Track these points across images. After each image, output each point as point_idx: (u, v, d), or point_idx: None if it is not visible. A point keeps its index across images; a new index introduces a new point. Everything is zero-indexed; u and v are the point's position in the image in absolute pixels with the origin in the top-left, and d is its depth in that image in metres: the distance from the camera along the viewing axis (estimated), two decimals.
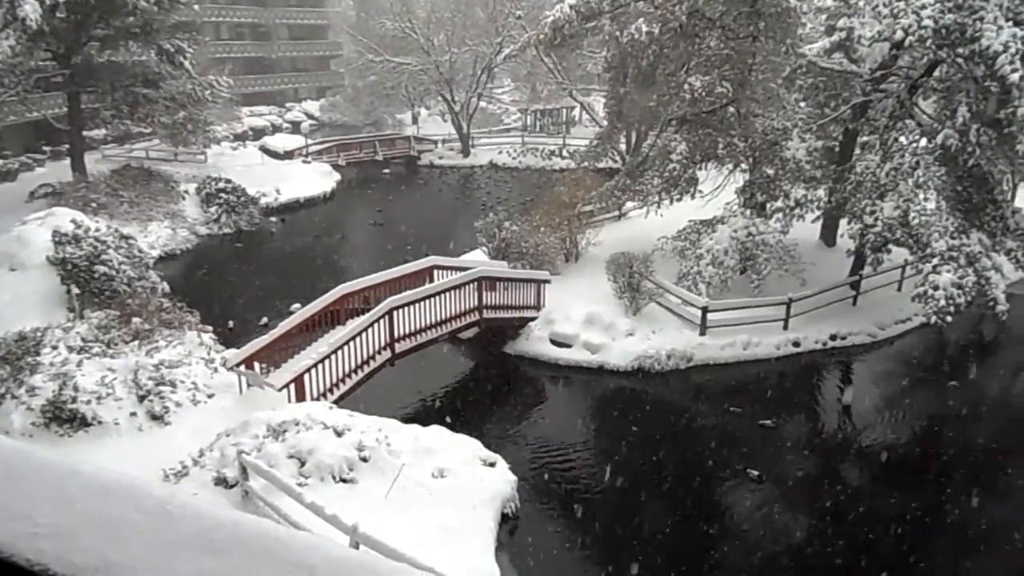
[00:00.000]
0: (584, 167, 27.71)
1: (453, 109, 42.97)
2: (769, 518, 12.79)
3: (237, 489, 10.91)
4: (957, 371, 18.32)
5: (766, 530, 12.49)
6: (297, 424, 11.68)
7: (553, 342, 18.37)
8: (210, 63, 37.15)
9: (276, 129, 50.99)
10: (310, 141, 42.61)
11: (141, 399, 13.13)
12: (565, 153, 40.63)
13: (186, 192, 29.70)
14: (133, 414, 12.88)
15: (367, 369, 14.76)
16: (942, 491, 13.49)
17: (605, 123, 29.82)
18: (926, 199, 17.50)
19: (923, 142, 18.17)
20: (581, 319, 18.60)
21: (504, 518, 11.67)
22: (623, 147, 31.04)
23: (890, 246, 18.36)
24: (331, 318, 15.67)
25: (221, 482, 11.08)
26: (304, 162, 38.76)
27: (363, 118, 51.38)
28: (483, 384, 17.52)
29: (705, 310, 18.45)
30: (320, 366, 13.62)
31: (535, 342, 18.43)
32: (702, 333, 18.53)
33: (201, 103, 31.57)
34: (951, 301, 16.08)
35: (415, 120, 51.25)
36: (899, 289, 21.20)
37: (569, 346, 18.21)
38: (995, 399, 17.19)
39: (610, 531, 12.18)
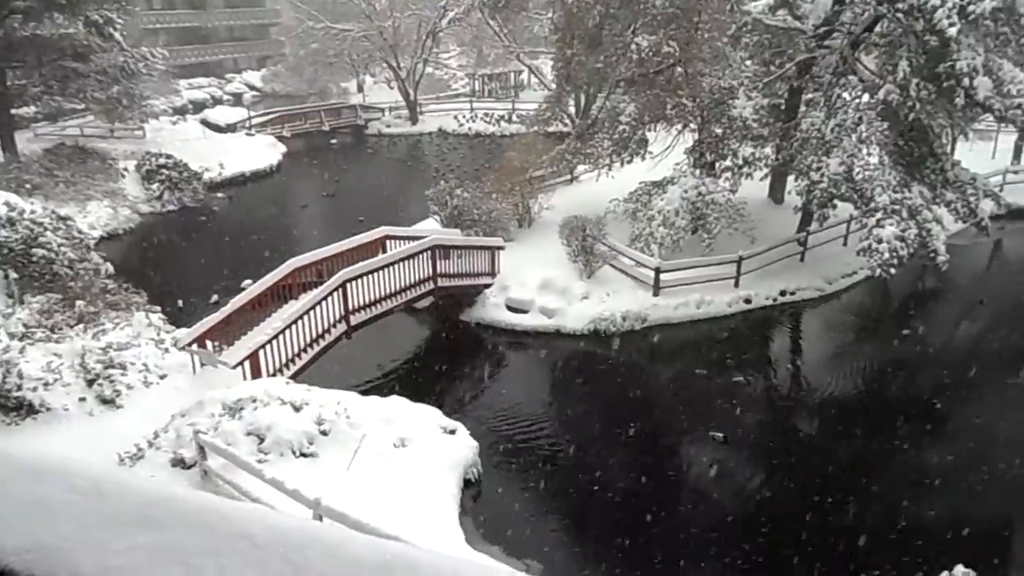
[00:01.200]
0: (534, 131, 27.59)
1: (399, 76, 42.27)
2: (728, 472, 13.09)
3: (196, 469, 10.77)
4: (902, 321, 18.90)
5: (725, 485, 12.78)
6: (254, 401, 11.53)
7: (509, 308, 18.40)
8: (142, 34, 35.87)
9: (217, 102, 49.58)
10: (253, 113, 41.56)
11: (90, 383, 12.80)
12: (515, 118, 40.37)
13: (125, 170, 28.74)
14: (83, 399, 12.56)
15: (323, 343, 14.61)
16: (891, 437, 13.96)
17: (554, 86, 29.66)
18: (869, 154, 17.82)
19: (866, 98, 18.47)
20: (536, 284, 18.65)
21: (467, 483, 11.76)
22: (572, 110, 30.95)
23: (836, 201, 18.75)
24: (284, 293, 15.43)
25: (178, 463, 10.92)
26: (248, 135, 37.82)
27: (307, 88, 50.25)
28: (441, 353, 17.50)
29: (658, 271, 18.64)
30: (275, 342, 13.43)
31: (491, 309, 18.43)
32: (656, 294, 18.74)
33: (135, 76, 30.45)
34: (894, 254, 16.51)
35: (361, 88, 50.32)
36: (845, 244, 21.67)
37: (525, 311, 18.27)
38: (938, 347, 17.76)
39: (572, 492, 12.35)
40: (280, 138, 37.90)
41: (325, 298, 14.48)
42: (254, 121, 39.84)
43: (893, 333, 18.31)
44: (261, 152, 35.01)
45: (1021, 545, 11.37)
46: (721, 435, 13.61)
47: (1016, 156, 29.85)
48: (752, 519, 11.85)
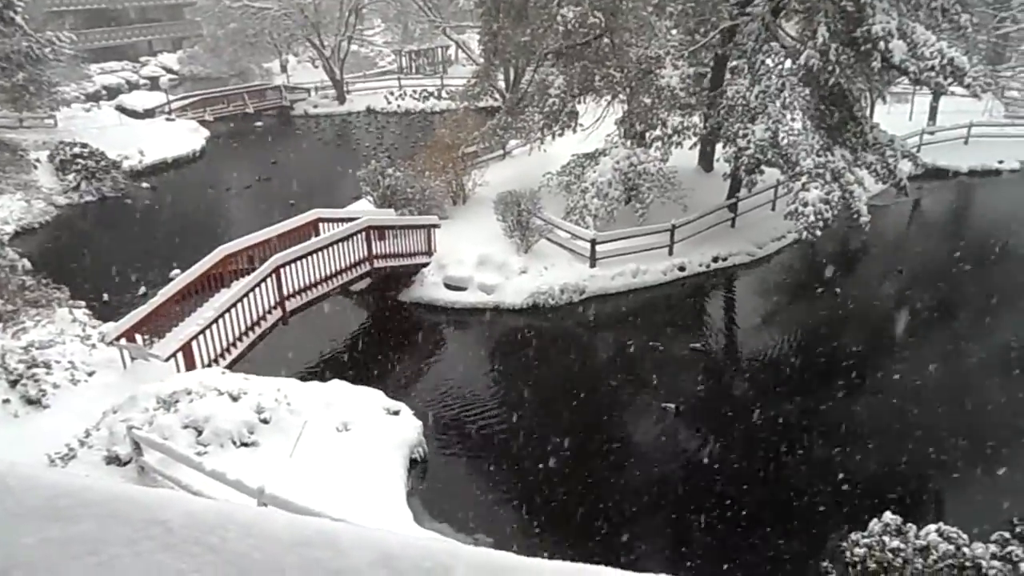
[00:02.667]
0: (464, 107, 27.33)
1: (323, 54, 41.28)
2: (672, 437, 13.36)
3: (132, 466, 10.44)
4: (830, 281, 19.52)
5: (669, 451, 13.05)
6: (189, 393, 11.22)
7: (448, 286, 18.32)
8: (47, 17, 34.09)
9: (132, 86, 47.63)
10: (172, 97, 40.09)
11: (13, 384, 12.24)
12: (444, 94, 39.97)
13: (37, 160, 27.39)
14: (6, 400, 12.01)
15: (259, 330, 14.30)
16: (824, 393, 14.47)
17: (481, 61, 29.41)
18: (793, 119, 18.25)
19: (788, 64, 18.85)
20: (474, 261, 18.60)
21: (413, 463, 11.73)
22: (502, 84, 30.77)
23: (763, 167, 19.17)
24: (215, 282, 15.01)
25: (113, 460, 10.57)
26: (167, 120, 36.50)
27: (227, 69, 48.62)
28: (381, 334, 17.34)
29: (594, 242, 18.80)
30: (208, 332, 13.08)
31: (430, 288, 18.33)
32: (592, 265, 18.90)
33: (42, 62, 29.00)
34: (820, 216, 17.00)
35: (284, 68, 48.96)
36: (773, 208, 22.22)
37: (464, 289, 18.22)
38: (864, 304, 18.41)
39: (519, 466, 12.43)
40: (202, 122, 36.69)
41: (258, 285, 14.16)
42: (174, 105, 38.46)
43: (821, 293, 18.91)
44: (183, 137, 33.83)
45: (944, 489, 11.94)
46: (673, 406, 13.80)
47: (932, 117, 31.01)
48: (696, 482, 12.15)
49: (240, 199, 27.92)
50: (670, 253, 19.69)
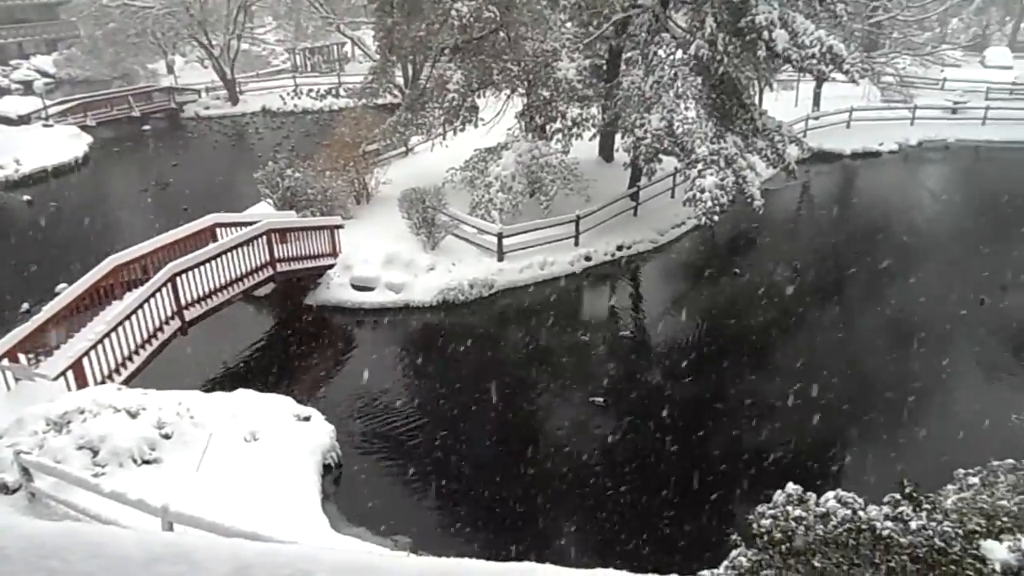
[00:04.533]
0: (363, 105, 26.89)
1: (212, 54, 39.76)
2: (586, 424, 13.54)
3: (21, 493, 9.79)
4: (729, 264, 20.22)
5: (585, 438, 13.21)
6: (82, 412, 10.61)
7: (355, 287, 17.99)
8: None
9: (3, 91, 44.65)
10: (49, 102, 37.74)
11: None
12: (342, 92, 39.20)
13: None
14: None
15: (156, 342, 13.66)
16: (730, 373, 14.97)
17: (378, 57, 28.99)
18: (687, 108, 18.77)
19: (679, 54, 19.37)
20: (380, 260, 18.34)
21: (327, 469, 11.48)
22: (400, 81, 30.45)
23: (660, 156, 19.64)
24: (106, 294, 14.25)
25: (1, 489, 9.88)
26: (45, 126, 34.38)
27: (109, 71, 46.24)
28: (288, 340, 16.86)
29: (500, 236, 18.84)
30: (100, 347, 12.39)
31: (336, 289, 17.96)
32: (500, 259, 18.95)
33: None
34: (716, 202, 17.56)
35: (171, 69, 46.89)
36: (672, 196, 22.84)
37: (371, 289, 17.94)
38: (762, 284, 19.14)
39: (436, 465, 12.34)
40: (84, 127, 34.76)
41: (153, 295, 13.52)
42: (51, 111, 36.22)
43: (722, 276, 19.57)
44: (63, 144, 31.90)
45: (842, 458, 12.56)
46: (601, 399, 13.89)
47: (816, 103, 32.55)
48: (611, 467, 12.34)
49: (130, 207, 26.60)
50: (576, 244, 19.95)
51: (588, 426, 13.47)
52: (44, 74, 49.97)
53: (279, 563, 0.87)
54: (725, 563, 7.26)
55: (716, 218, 17.69)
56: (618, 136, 21.57)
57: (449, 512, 11.46)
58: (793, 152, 21.80)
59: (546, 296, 18.55)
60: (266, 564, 0.86)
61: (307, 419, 12.04)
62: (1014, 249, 20.43)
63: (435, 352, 16.43)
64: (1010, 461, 8.44)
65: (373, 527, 10.58)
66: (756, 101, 22.99)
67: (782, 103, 31.61)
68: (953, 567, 5.84)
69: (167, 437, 10.66)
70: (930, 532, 6.11)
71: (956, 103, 33.93)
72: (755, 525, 6.88)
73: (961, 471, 8.57)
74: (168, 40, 42.45)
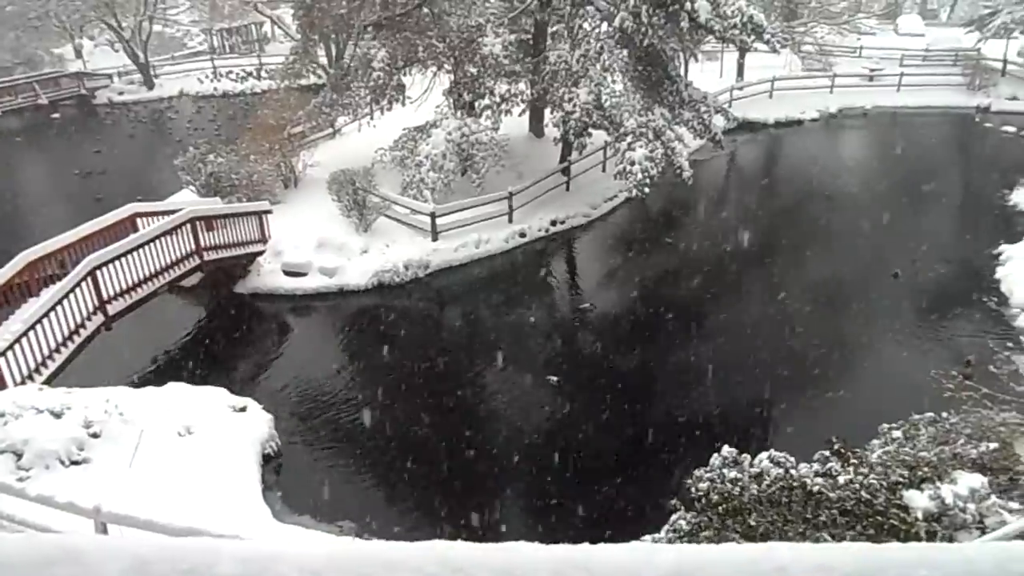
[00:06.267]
0: (286, 86, 26.22)
1: (123, 37, 38.03)
2: (526, 401, 13.62)
3: None
4: (661, 234, 20.54)
5: (526, 414, 13.30)
6: (2, 416, 10.15)
7: (287, 273, 17.63)
8: None
9: None
10: None
11: None
12: (264, 73, 38.08)
13: None
14: None
15: (78, 339, 13.12)
16: (666, 341, 15.26)
17: (299, 37, 28.25)
18: (614, 81, 18.85)
19: (604, 27, 19.41)
20: (312, 245, 18.00)
21: (267, 458, 11.29)
22: (324, 60, 29.75)
23: (590, 130, 19.74)
24: (21, 291, 13.59)
25: None
26: None
27: (11, 57, 43.60)
28: (219, 330, 16.45)
29: (433, 216, 18.70)
30: (17, 347, 11.84)
31: (267, 276, 17.56)
32: (435, 239, 18.81)
33: None
34: (646, 174, 17.76)
35: (80, 54, 44.68)
36: (603, 170, 23.00)
37: (304, 274, 17.60)
38: (693, 253, 19.51)
39: (378, 449, 12.26)
40: None
41: (72, 290, 12.97)
42: None
43: (655, 246, 19.87)
44: None
45: (775, 419, 12.96)
46: (555, 379, 13.85)
47: (740, 73, 33.13)
48: (554, 440, 12.46)
49: (41, 200, 25.38)
50: (510, 220, 19.94)
51: (529, 401, 13.56)
52: None
53: (179, 557, 0.83)
54: (666, 527, 7.44)
55: (647, 190, 17.90)
56: (547, 111, 21.57)
57: (394, 495, 11.42)
58: (719, 122, 22.18)
59: (483, 274, 18.53)
60: (166, 559, 0.82)
61: (243, 409, 11.80)
62: (927, 211, 21.31)
63: (373, 335, 16.27)
64: (930, 414, 8.84)
65: (317, 514, 10.47)
66: (682, 73, 23.26)
67: (707, 74, 32.12)
68: (879, 517, 6.10)
69: (96, 436, 10.30)
70: (857, 485, 6.36)
71: (872, 71, 35.01)
72: (693, 488, 7.06)
73: (885, 425, 8.96)
74: (74, 23, 40.37)
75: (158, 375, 13.93)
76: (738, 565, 0.75)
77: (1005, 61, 33.95)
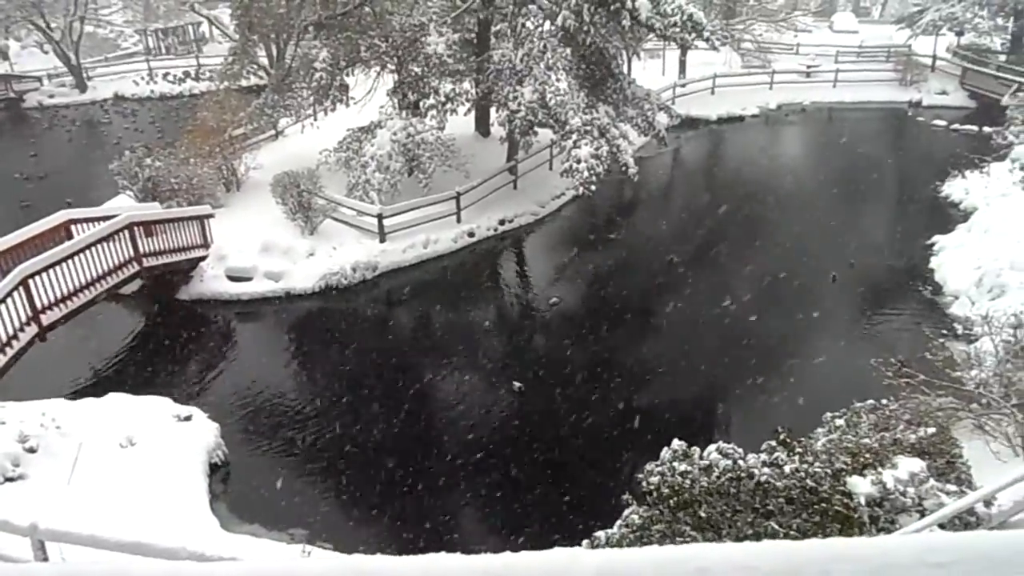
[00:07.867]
0: (226, 88, 25.68)
1: (52, 38, 36.76)
2: (478, 401, 13.59)
3: None
4: (609, 231, 20.69)
5: (481, 415, 13.25)
6: None
7: (231, 278, 17.27)
8: None
9: None
10: None
11: None
12: (202, 75, 37.26)
13: None
14: None
15: (11, 351, 12.61)
16: (617, 337, 15.37)
17: (238, 37, 27.70)
18: (558, 80, 18.94)
19: (547, 25, 19.50)
20: (256, 249, 17.68)
21: (214, 468, 11.06)
22: (264, 61, 29.20)
23: (536, 128, 19.80)
24: None
25: None
26: None
27: None
28: (162, 338, 15.99)
29: (380, 217, 18.53)
30: None
31: (211, 282, 17.18)
32: (382, 240, 18.64)
33: None
34: (592, 171, 17.88)
35: (6, 56, 43.07)
36: (550, 168, 23.08)
37: (249, 279, 17.27)
38: (641, 249, 19.73)
39: (328, 454, 12.09)
40: None
41: (3, 300, 12.49)
42: None
43: (603, 244, 20.01)
44: None
45: (723, 412, 13.19)
46: (519, 385, 13.73)
47: (682, 71, 33.60)
48: (507, 440, 12.45)
49: None
50: (458, 220, 19.88)
51: (482, 402, 13.54)
52: None
53: None
54: (619, 522, 7.49)
55: (593, 187, 18.02)
56: (493, 110, 21.55)
57: (345, 502, 11.28)
58: (663, 119, 22.45)
59: (432, 275, 18.43)
60: None
61: (188, 419, 11.54)
62: (864, 204, 21.93)
63: (321, 339, 16.06)
64: (871, 402, 9.09)
65: (267, 523, 10.29)
66: (625, 71, 23.49)
67: (650, 72, 32.48)
68: (824, 504, 6.24)
69: (32, 451, 9.95)
70: (803, 474, 6.50)
71: (809, 67, 35.86)
72: (644, 482, 7.12)
73: (829, 414, 9.18)
74: None
75: (98, 386, 13.51)
76: (661, 566, 0.75)
77: (935, 57, 35.15)
